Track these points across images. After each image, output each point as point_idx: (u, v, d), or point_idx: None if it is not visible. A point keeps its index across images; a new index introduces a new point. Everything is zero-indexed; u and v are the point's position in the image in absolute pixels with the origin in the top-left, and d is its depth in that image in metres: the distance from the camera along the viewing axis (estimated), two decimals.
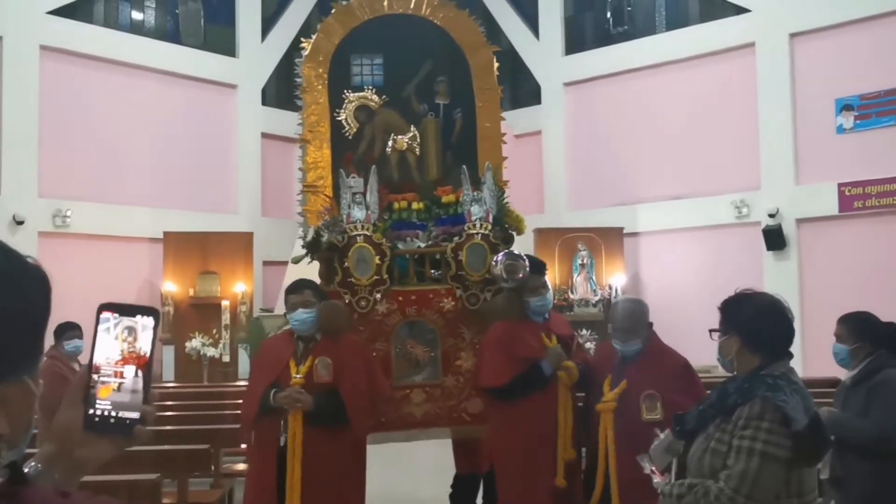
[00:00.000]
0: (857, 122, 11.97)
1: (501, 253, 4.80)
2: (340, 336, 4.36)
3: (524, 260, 4.61)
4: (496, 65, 6.44)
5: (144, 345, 1.18)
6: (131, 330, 1.17)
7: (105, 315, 1.17)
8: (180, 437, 5.64)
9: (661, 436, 3.10)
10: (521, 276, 4.55)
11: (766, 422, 2.51)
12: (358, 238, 5.05)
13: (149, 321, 1.18)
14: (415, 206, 5.59)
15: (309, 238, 5.24)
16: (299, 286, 4.35)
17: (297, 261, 5.56)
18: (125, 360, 1.17)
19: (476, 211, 5.17)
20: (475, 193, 5.21)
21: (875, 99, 11.81)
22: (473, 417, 5.03)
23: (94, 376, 1.16)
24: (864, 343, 3.79)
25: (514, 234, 5.40)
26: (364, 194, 5.17)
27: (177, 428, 6.27)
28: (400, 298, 5.13)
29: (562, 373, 4.30)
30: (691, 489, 2.57)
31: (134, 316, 1.18)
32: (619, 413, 3.96)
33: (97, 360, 1.17)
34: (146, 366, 1.18)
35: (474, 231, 5.14)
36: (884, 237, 11.55)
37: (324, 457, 4.11)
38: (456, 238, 5.20)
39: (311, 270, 5.63)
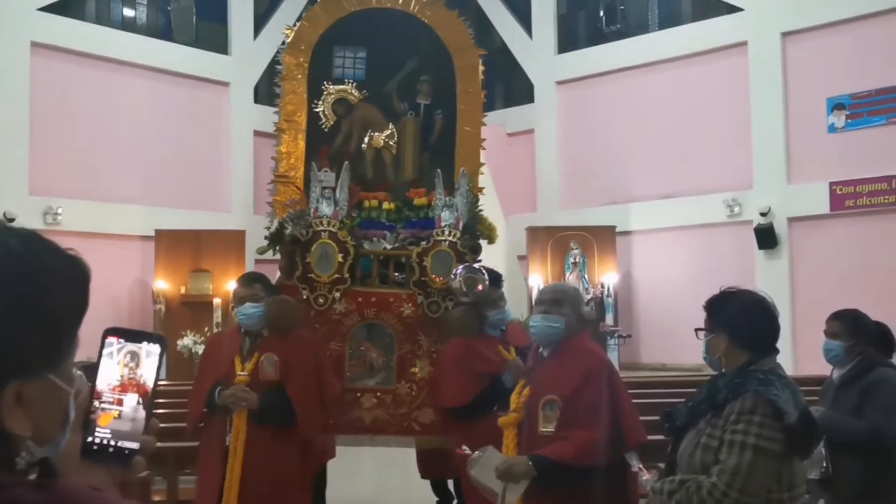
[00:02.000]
0: (849, 121, 12.01)
1: (460, 266, 4.71)
2: (290, 332, 4.24)
3: (483, 273, 4.55)
4: (482, 68, 6.32)
5: (147, 372, 1.14)
6: (134, 355, 1.13)
7: (110, 340, 1.14)
8: (170, 435, 5.61)
9: (478, 453, 3.08)
10: (479, 289, 4.52)
11: (758, 415, 2.52)
12: (322, 234, 4.93)
13: (154, 348, 1.14)
14: (385, 205, 5.47)
15: (273, 229, 5.15)
16: (248, 279, 4.26)
17: (261, 252, 5.46)
18: (127, 387, 1.14)
19: (447, 217, 5.03)
20: (448, 198, 5.08)
21: (866, 98, 11.85)
22: (423, 428, 4.88)
23: (96, 402, 1.12)
24: (859, 340, 3.79)
25: (486, 242, 5.28)
26: (335, 189, 5.06)
27: (167, 425, 6.23)
28: (359, 299, 5.00)
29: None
30: (683, 485, 2.57)
31: (140, 342, 1.15)
32: (524, 426, 3.49)
33: (99, 385, 1.13)
34: (148, 394, 1.15)
35: (442, 237, 5.01)
36: (875, 236, 11.59)
37: (267, 457, 4.00)
38: (423, 243, 5.07)
39: None
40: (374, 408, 4.88)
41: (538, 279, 12.69)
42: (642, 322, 13.26)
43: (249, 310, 4.12)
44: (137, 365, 1.13)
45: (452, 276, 4.68)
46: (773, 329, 2.73)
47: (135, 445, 1.13)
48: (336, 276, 4.93)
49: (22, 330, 0.96)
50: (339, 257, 4.93)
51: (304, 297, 4.86)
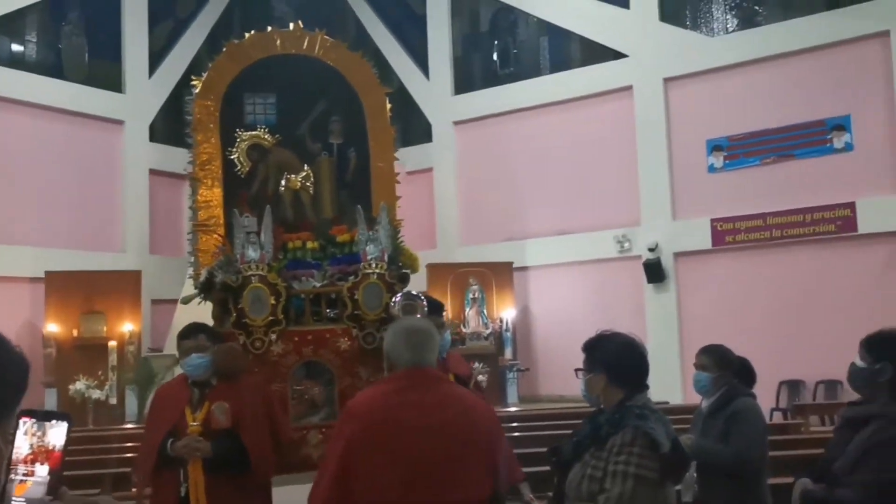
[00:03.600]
0: (727, 161, 12.77)
1: (399, 294, 4.77)
2: (237, 378, 4.25)
3: (422, 300, 4.57)
4: (388, 105, 6.54)
5: (55, 440, 1.31)
6: (41, 426, 1.30)
7: (24, 419, 1.30)
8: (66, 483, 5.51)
9: None
10: (418, 316, 4.68)
11: (637, 447, 2.76)
12: (253, 278, 4.98)
13: (62, 424, 1.32)
14: (309, 245, 5.56)
15: (202, 278, 5.20)
16: (192, 331, 4.23)
17: (186, 301, 5.47)
18: (36, 456, 1.30)
19: (371, 250, 5.16)
20: (370, 233, 5.21)
21: (743, 140, 12.63)
22: None
23: (12, 475, 1.28)
24: (725, 372, 4.13)
25: (409, 272, 5.49)
26: (258, 234, 5.11)
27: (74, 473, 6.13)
28: (296, 339, 5.08)
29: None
30: None
31: (49, 420, 1.32)
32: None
33: (14, 458, 1.29)
34: (57, 461, 1.31)
35: (370, 270, 5.13)
36: (753, 269, 12.31)
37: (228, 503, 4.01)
38: (352, 277, 5.17)
39: (201, 311, 5.57)
40: (320, 444, 4.91)
41: (444, 321, 12.89)
42: (540, 355, 13.62)
43: (196, 360, 4.11)
44: (44, 434, 1.30)
45: (392, 304, 4.73)
46: (644, 368, 2.99)
47: None
48: (270, 318, 4.99)
49: None
50: (272, 299, 5.00)
51: (241, 342, 4.89)
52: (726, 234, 12.55)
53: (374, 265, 5.17)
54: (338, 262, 5.46)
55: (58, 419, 1.32)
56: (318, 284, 5.36)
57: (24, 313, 12.43)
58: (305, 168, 5.98)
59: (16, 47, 13.27)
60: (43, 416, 1.32)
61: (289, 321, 5.11)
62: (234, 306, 4.99)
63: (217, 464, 3.99)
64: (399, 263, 5.37)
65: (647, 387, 2.99)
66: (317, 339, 5.14)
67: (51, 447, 1.29)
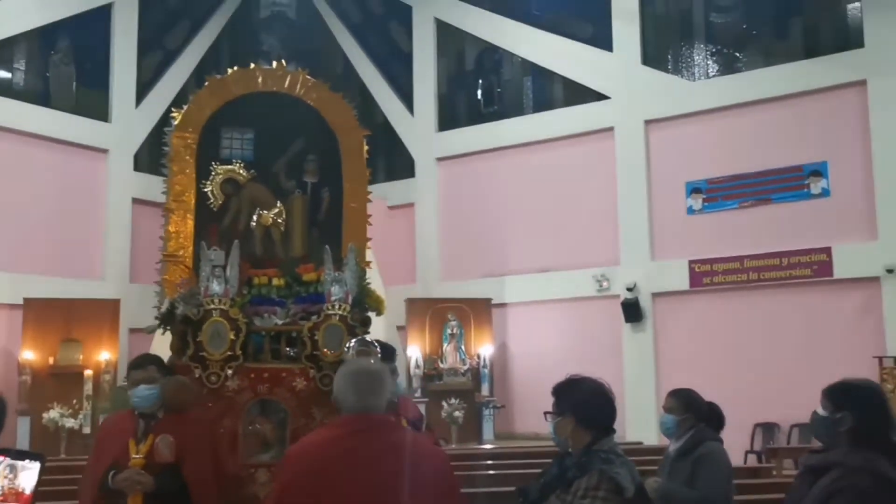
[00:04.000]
0: (706, 203, 12.92)
1: (354, 339, 4.80)
2: (185, 413, 4.22)
3: (376, 346, 4.61)
4: (366, 147, 6.61)
5: (25, 482, 1.35)
6: (13, 468, 1.33)
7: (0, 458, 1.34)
8: None
9: None
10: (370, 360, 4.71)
11: (602, 491, 2.82)
12: (214, 312, 5.00)
13: (35, 464, 1.36)
14: (275, 282, 5.57)
15: (164, 309, 5.21)
16: (142, 362, 4.21)
17: (150, 331, 5.47)
18: (6, 498, 1.33)
19: (336, 291, 5.17)
20: (337, 273, 5.24)
21: (721, 183, 12.80)
22: None
23: None
24: (689, 415, 4.21)
25: (374, 314, 5.50)
26: (224, 267, 5.13)
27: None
28: (252, 375, 5.07)
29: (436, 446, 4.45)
30: None
31: (23, 459, 1.36)
32: None
33: None
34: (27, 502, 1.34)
35: (332, 311, 5.14)
36: (730, 311, 12.41)
37: None
38: (314, 317, 5.18)
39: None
40: (268, 483, 4.84)
41: (416, 350, 12.93)
42: (516, 392, 13.63)
43: (144, 392, 4.09)
44: (16, 476, 1.34)
45: (346, 349, 4.77)
46: (612, 413, 3.06)
47: None
48: (228, 353, 5.00)
49: None
50: (231, 335, 5.00)
51: (197, 375, 4.89)
52: (704, 275, 12.67)
53: (337, 306, 5.19)
54: (302, 301, 5.47)
55: (31, 459, 1.35)
56: (279, 322, 5.36)
57: (1, 340, 12.37)
58: (278, 205, 6.01)
59: (3, 74, 13.34)
60: (16, 456, 1.34)
61: (247, 357, 5.12)
62: (193, 339, 5.00)
63: (158, 498, 3.95)
64: (365, 305, 5.40)
65: (614, 431, 3.06)
66: (273, 377, 5.13)
67: (21, 489, 1.33)
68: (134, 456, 3.99)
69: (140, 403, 4.11)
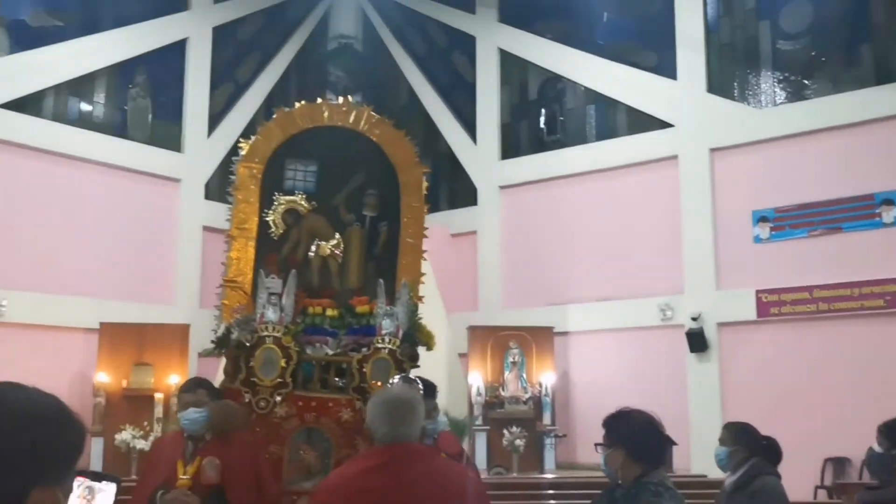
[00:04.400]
0: (773, 232, 12.70)
1: (398, 376, 4.84)
2: (231, 436, 4.33)
3: (418, 384, 4.64)
4: (425, 184, 6.72)
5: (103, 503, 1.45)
6: (91, 490, 1.44)
7: (79, 479, 1.46)
8: None
9: None
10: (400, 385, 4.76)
11: None
12: (267, 339, 5.16)
13: (111, 486, 1.46)
14: (329, 312, 5.71)
15: (220, 333, 5.37)
16: (193, 385, 4.36)
17: (206, 354, 5.67)
18: None
19: (387, 325, 5.28)
20: (389, 307, 5.34)
21: (789, 212, 12.57)
22: None
23: None
24: (739, 447, 4.19)
25: (425, 349, 5.57)
26: (281, 296, 5.28)
27: None
28: (300, 403, 5.19)
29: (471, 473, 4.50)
30: None
31: (99, 481, 1.47)
32: None
33: None
34: None
35: (382, 345, 5.26)
36: (799, 342, 12.14)
37: None
38: (364, 349, 5.31)
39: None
40: None
41: (478, 377, 12.96)
42: (578, 421, 13.51)
43: (193, 415, 4.22)
44: (93, 498, 1.44)
45: (390, 384, 4.79)
46: (662, 445, 3.09)
47: None
48: (278, 380, 5.15)
49: (57, 448, 1.33)
50: (283, 362, 5.16)
51: (247, 400, 5.04)
52: (771, 305, 12.43)
53: (387, 340, 5.31)
54: (354, 333, 5.61)
55: (107, 480, 1.43)
56: (330, 352, 5.51)
57: (77, 363, 12.82)
58: (337, 236, 6.19)
59: (85, 107, 13.92)
60: (93, 477, 1.43)
61: (296, 385, 5.26)
62: (246, 364, 5.18)
63: None
64: (415, 340, 5.48)
65: (664, 463, 3.08)
66: (320, 406, 5.26)
67: None
68: (181, 477, 4.13)
69: (189, 426, 4.24)
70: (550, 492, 10.30)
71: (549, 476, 11.79)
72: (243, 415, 4.76)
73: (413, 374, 5.01)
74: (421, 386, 4.58)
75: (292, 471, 5.14)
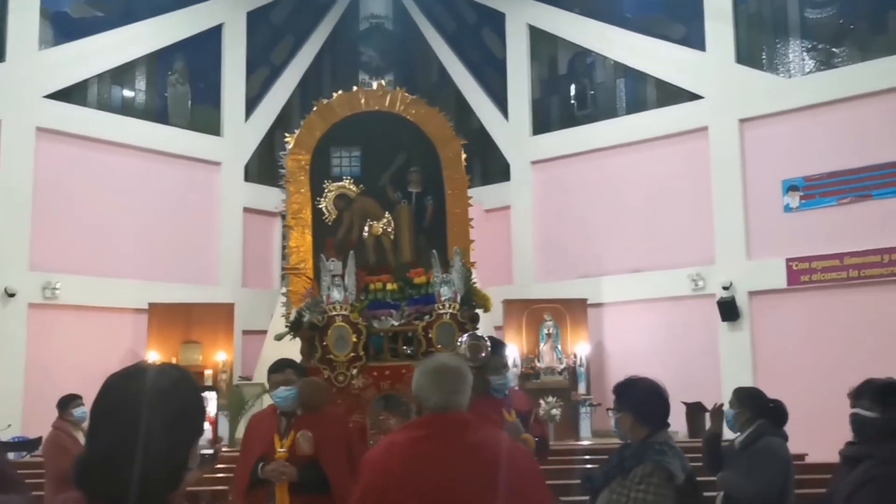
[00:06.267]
0: (803, 201, 12.83)
1: (465, 334, 5.16)
2: (320, 410, 4.65)
3: (486, 341, 4.91)
4: (464, 156, 7.07)
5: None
6: None
7: None
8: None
9: None
10: (483, 355, 4.89)
11: (655, 478, 3.21)
12: (337, 318, 5.57)
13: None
14: (389, 287, 6.14)
15: (292, 318, 5.79)
16: (280, 366, 4.65)
17: (279, 338, 6.07)
18: None
19: (445, 292, 5.67)
20: (444, 275, 5.72)
21: (818, 181, 12.69)
22: None
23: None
24: (744, 409, 4.51)
25: (482, 311, 5.93)
26: (342, 277, 5.67)
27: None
28: (374, 373, 5.62)
29: (520, 444, 4.80)
30: None
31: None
32: None
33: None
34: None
35: (443, 311, 5.66)
36: (828, 309, 12.30)
37: None
38: (427, 317, 5.73)
39: (286, 345, 6.10)
40: None
41: (514, 349, 13.30)
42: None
43: (283, 393, 4.55)
44: None
45: (458, 343, 5.11)
46: (666, 410, 3.45)
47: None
48: (352, 354, 5.58)
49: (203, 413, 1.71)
50: (353, 338, 5.58)
51: (326, 376, 5.45)
52: (802, 273, 12.59)
53: (447, 306, 5.71)
54: (414, 303, 6.03)
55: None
56: (395, 323, 5.93)
57: (128, 342, 13.38)
58: (386, 215, 6.60)
59: (127, 94, 14.38)
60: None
61: (368, 357, 5.68)
62: (320, 343, 5.60)
63: (301, 487, 4.45)
64: (472, 303, 5.86)
65: (668, 425, 3.43)
66: (394, 373, 5.66)
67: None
68: (278, 450, 4.50)
69: (281, 403, 4.61)
70: (587, 457, 10.62)
71: (585, 443, 12.12)
72: (328, 389, 5.08)
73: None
74: (489, 342, 4.87)
75: (375, 436, 5.47)
